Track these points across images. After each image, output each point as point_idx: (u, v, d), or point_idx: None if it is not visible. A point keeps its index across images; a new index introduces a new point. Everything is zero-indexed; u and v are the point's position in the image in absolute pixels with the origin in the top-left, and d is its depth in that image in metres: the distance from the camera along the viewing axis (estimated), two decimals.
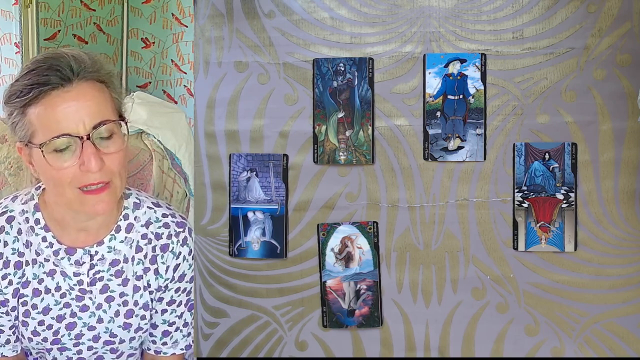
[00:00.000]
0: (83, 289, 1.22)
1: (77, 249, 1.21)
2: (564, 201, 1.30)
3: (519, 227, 1.31)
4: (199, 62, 1.36)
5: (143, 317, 1.25)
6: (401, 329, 1.34)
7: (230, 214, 1.35)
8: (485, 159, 1.31)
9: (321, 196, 1.34)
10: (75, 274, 1.21)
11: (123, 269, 1.23)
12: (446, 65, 1.31)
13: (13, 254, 1.20)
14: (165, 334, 1.29)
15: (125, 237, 1.23)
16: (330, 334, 1.35)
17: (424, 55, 1.31)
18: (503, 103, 1.30)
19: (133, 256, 1.23)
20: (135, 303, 1.24)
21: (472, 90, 1.31)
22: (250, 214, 1.35)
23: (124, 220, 1.23)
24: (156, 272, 1.24)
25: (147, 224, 1.24)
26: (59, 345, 1.23)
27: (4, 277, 1.20)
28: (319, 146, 1.33)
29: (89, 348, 1.25)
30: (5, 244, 1.20)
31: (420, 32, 1.31)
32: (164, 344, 1.29)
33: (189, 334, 1.31)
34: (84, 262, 1.21)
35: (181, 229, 1.26)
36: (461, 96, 1.31)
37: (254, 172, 1.35)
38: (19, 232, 1.21)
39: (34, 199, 1.22)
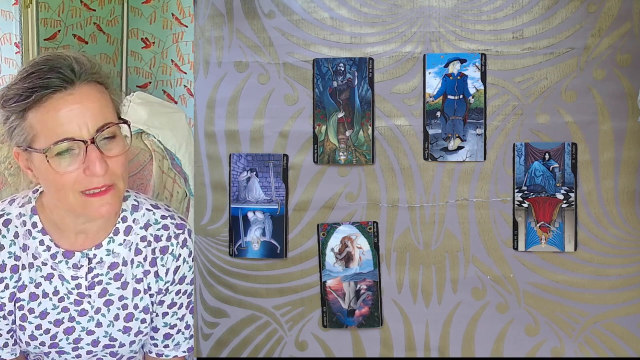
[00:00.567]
0: (81, 292, 1.21)
1: (75, 252, 1.20)
2: (564, 201, 1.30)
3: (519, 227, 1.31)
4: (199, 62, 1.36)
5: (143, 321, 1.25)
6: (401, 329, 1.34)
7: (230, 214, 1.35)
8: (485, 159, 1.31)
9: (321, 196, 1.34)
10: (73, 278, 1.20)
11: (122, 272, 1.22)
12: (446, 65, 1.31)
13: (9, 257, 1.19)
14: (167, 336, 1.28)
15: (124, 240, 1.22)
16: (330, 334, 1.35)
17: (424, 55, 1.31)
18: (503, 103, 1.30)
19: (132, 259, 1.23)
20: (135, 306, 1.23)
21: (472, 90, 1.30)
22: (250, 214, 1.35)
23: (123, 222, 1.23)
24: (156, 274, 1.24)
25: (146, 226, 1.24)
26: (57, 349, 1.23)
27: (0, 280, 1.19)
28: (319, 146, 1.33)
29: (88, 352, 1.24)
30: (2, 247, 1.19)
31: (420, 32, 1.31)
32: (166, 346, 1.29)
33: (191, 336, 1.30)
34: (82, 266, 1.20)
35: (180, 231, 1.25)
36: (461, 96, 1.31)
37: (254, 172, 1.35)
38: (16, 235, 1.20)
39: (31, 202, 1.21)
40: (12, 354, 1.24)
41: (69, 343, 1.23)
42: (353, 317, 1.34)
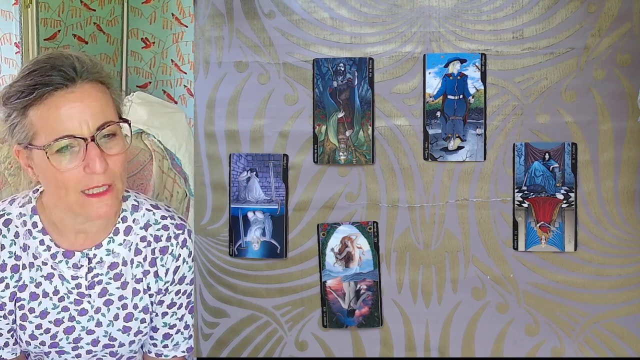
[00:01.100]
0: (81, 292, 1.21)
1: (75, 252, 1.20)
2: (564, 201, 1.30)
3: (519, 227, 1.31)
4: (199, 62, 1.36)
5: (143, 321, 1.25)
6: (401, 329, 1.34)
7: (230, 214, 1.35)
8: (485, 159, 1.31)
9: (321, 196, 1.34)
10: (73, 278, 1.20)
11: (122, 272, 1.22)
12: (446, 65, 1.31)
13: (10, 257, 1.19)
14: (166, 336, 1.28)
15: (124, 240, 1.22)
16: (330, 334, 1.35)
17: (424, 55, 1.31)
18: (503, 103, 1.30)
19: (132, 259, 1.23)
20: (135, 306, 1.24)
21: (472, 90, 1.31)
22: (250, 214, 1.35)
23: (123, 222, 1.23)
24: (156, 274, 1.24)
25: (146, 226, 1.24)
26: (57, 349, 1.23)
27: (1, 280, 1.19)
28: (319, 146, 1.33)
29: (88, 352, 1.24)
30: (2, 247, 1.19)
31: (420, 32, 1.31)
32: (165, 346, 1.29)
33: (190, 336, 1.30)
34: (82, 266, 1.20)
35: (180, 231, 1.25)
36: (461, 96, 1.31)
37: (254, 172, 1.35)
38: (16, 235, 1.20)
39: (31, 202, 1.21)
40: (13, 353, 1.24)
41: (69, 343, 1.23)
42: (353, 317, 1.34)
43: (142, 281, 1.23)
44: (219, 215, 1.36)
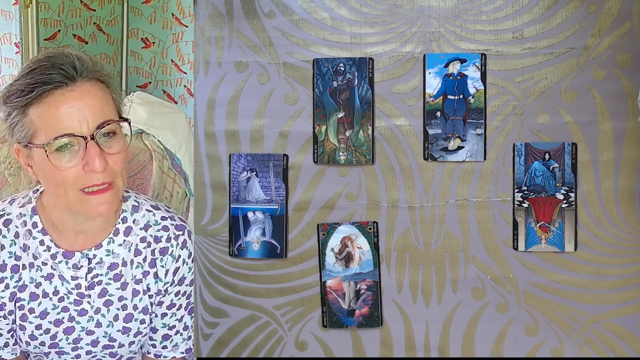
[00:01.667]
0: (81, 292, 1.21)
1: (75, 253, 1.20)
2: (564, 201, 1.30)
3: (519, 227, 1.31)
4: (199, 62, 1.36)
5: (142, 321, 1.25)
6: (401, 329, 1.34)
7: (230, 214, 1.35)
8: (485, 159, 1.31)
9: (321, 196, 1.34)
10: (73, 278, 1.20)
11: (122, 273, 1.22)
12: (446, 65, 1.31)
13: (10, 257, 1.19)
14: (165, 337, 1.28)
15: (124, 241, 1.22)
16: (330, 334, 1.35)
17: (424, 55, 1.31)
18: (503, 103, 1.30)
19: (132, 260, 1.23)
20: (135, 307, 1.23)
21: (472, 90, 1.31)
22: (250, 214, 1.35)
23: (123, 223, 1.23)
24: (155, 275, 1.24)
25: (146, 227, 1.24)
26: (57, 350, 1.23)
27: (1, 280, 1.19)
28: (319, 146, 1.33)
29: (88, 352, 1.24)
30: (2, 247, 1.19)
31: (420, 32, 1.31)
32: (164, 347, 1.29)
33: (189, 337, 1.30)
34: (81, 266, 1.20)
35: (180, 232, 1.25)
36: (461, 96, 1.31)
37: (254, 172, 1.35)
38: (16, 235, 1.20)
39: (31, 202, 1.21)
40: (13, 353, 1.24)
41: (69, 343, 1.23)
42: (353, 317, 1.34)
43: (141, 282, 1.23)
44: (219, 215, 1.36)
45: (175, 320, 1.28)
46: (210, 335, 1.37)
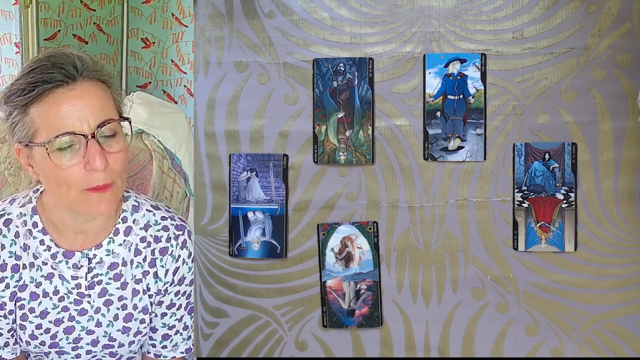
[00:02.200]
0: (81, 292, 1.21)
1: (75, 252, 1.20)
2: (564, 201, 1.30)
3: (519, 227, 1.31)
4: (199, 62, 1.36)
5: (142, 321, 1.25)
6: (401, 329, 1.34)
7: (230, 214, 1.35)
8: (485, 159, 1.31)
9: (321, 196, 1.34)
10: (73, 278, 1.21)
11: (122, 273, 1.22)
12: (446, 65, 1.31)
13: (10, 257, 1.19)
14: (165, 337, 1.28)
15: (124, 240, 1.22)
16: (330, 334, 1.35)
17: (424, 55, 1.31)
18: (503, 103, 1.30)
19: (132, 259, 1.23)
20: (135, 307, 1.24)
21: (472, 90, 1.31)
22: (250, 214, 1.35)
23: (123, 223, 1.23)
24: (155, 275, 1.24)
25: (146, 227, 1.24)
26: (57, 349, 1.23)
27: (1, 280, 1.19)
28: (319, 146, 1.33)
29: (88, 352, 1.24)
30: (2, 247, 1.19)
31: (420, 32, 1.31)
32: (164, 347, 1.29)
33: (189, 337, 1.31)
34: (82, 266, 1.20)
35: (180, 232, 1.25)
36: (461, 96, 1.31)
37: (254, 172, 1.35)
38: (17, 235, 1.20)
39: (32, 202, 1.21)
40: (13, 353, 1.24)
41: (69, 343, 1.23)
42: (353, 317, 1.34)
43: (141, 282, 1.23)
44: (219, 215, 1.36)
45: (175, 320, 1.28)
46: (210, 335, 1.37)
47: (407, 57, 1.32)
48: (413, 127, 1.32)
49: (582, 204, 1.30)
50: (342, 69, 1.32)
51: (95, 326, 1.23)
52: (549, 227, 1.30)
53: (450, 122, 1.31)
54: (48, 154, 1.06)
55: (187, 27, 3.10)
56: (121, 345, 1.25)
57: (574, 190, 1.30)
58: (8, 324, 1.21)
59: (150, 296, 1.24)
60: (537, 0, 1.28)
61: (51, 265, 1.20)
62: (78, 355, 1.25)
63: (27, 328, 1.21)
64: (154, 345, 1.29)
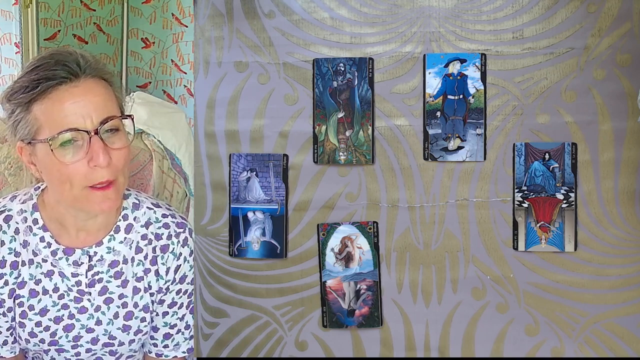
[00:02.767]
0: (81, 290, 1.21)
1: (75, 250, 1.20)
2: (564, 201, 1.30)
3: (519, 227, 1.31)
4: (199, 62, 1.36)
5: (143, 320, 1.25)
6: (401, 329, 1.34)
7: (230, 214, 1.35)
8: (485, 159, 1.31)
9: (321, 196, 1.34)
10: (74, 275, 1.21)
11: (122, 270, 1.22)
12: (446, 65, 1.31)
13: (9, 253, 1.20)
14: (167, 336, 1.28)
15: (125, 238, 1.23)
16: (330, 334, 1.35)
17: (424, 55, 1.31)
18: (503, 103, 1.30)
19: (133, 257, 1.23)
20: (135, 305, 1.24)
21: (472, 90, 1.31)
22: (250, 214, 1.35)
23: (123, 220, 1.23)
24: (156, 273, 1.24)
25: (147, 225, 1.24)
26: (57, 347, 1.23)
27: (0, 277, 1.19)
28: (319, 146, 1.33)
29: (88, 350, 1.24)
30: (2, 243, 1.19)
31: (420, 32, 1.31)
32: (166, 346, 1.29)
33: (191, 336, 1.30)
34: (82, 263, 1.20)
35: (181, 230, 1.25)
36: (461, 96, 1.31)
37: (254, 172, 1.35)
38: (16, 231, 1.20)
39: (32, 199, 1.22)
40: (12, 352, 1.24)
41: (69, 341, 1.23)
42: (353, 317, 1.34)
43: (142, 279, 1.23)
44: (219, 215, 1.36)
45: (177, 319, 1.28)
46: (210, 335, 1.37)
47: (407, 57, 1.32)
48: (413, 127, 1.32)
49: (582, 204, 1.30)
50: (342, 69, 1.32)
51: (95, 324, 1.23)
52: (549, 227, 1.30)
53: (450, 122, 1.31)
54: (52, 150, 1.06)
55: (187, 27, 3.10)
56: (121, 343, 1.25)
57: (574, 190, 1.30)
58: (7, 321, 1.21)
59: (151, 294, 1.24)
60: (537, 0, 1.28)
61: (51, 263, 1.20)
62: (78, 354, 1.25)
63: (26, 326, 1.21)
64: (155, 345, 1.29)
